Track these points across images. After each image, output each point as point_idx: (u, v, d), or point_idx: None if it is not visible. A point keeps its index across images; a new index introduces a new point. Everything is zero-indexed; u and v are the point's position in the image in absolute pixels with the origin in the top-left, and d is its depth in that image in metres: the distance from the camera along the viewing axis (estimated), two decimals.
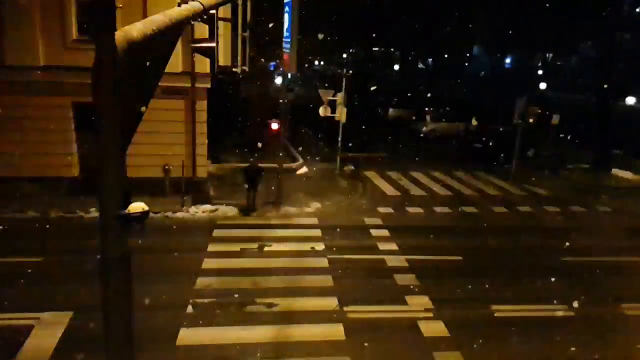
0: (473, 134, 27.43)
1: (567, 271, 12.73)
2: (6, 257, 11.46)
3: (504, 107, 27.93)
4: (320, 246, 13.38)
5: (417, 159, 23.87)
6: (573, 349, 9.42)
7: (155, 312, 9.39)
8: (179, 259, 12.07)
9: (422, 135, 29.59)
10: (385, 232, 14.65)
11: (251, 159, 16.39)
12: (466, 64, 60.04)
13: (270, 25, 23.28)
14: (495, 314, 10.46)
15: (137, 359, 4.23)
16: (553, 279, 12.18)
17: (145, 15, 13.83)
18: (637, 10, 24.57)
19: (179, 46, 5.89)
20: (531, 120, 20.63)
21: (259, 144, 20.39)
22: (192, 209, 15.47)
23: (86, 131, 15.39)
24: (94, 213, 14.07)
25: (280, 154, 16.97)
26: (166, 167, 15.82)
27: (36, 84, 14.69)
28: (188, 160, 16.25)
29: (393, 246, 13.66)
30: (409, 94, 40.33)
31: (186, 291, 10.59)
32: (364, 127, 27.46)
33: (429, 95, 40.50)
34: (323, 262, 12.45)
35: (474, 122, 29.29)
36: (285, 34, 15.33)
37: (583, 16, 29.57)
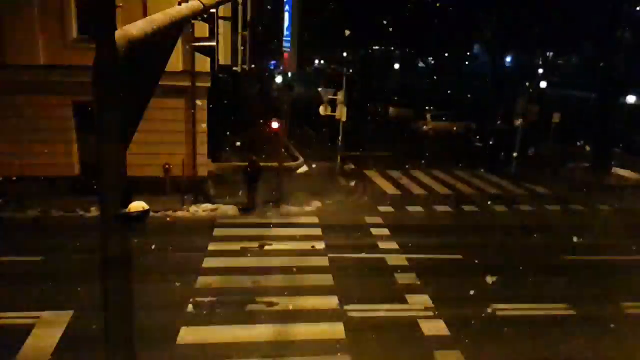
0: (473, 133, 27.44)
1: (567, 270, 12.74)
2: (7, 257, 11.47)
3: (504, 105, 27.95)
4: (320, 245, 13.38)
5: (417, 157, 23.85)
6: (574, 348, 9.44)
7: (155, 311, 9.37)
8: (179, 257, 12.08)
9: (422, 134, 29.59)
10: (385, 231, 14.65)
11: (251, 157, 16.37)
12: (466, 62, 59.97)
13: (271, 24, 23.29)
14: (496, 313, 10.46)
15: (138, 358, 4.23)
16: (553, 278, 12.19)
17: (145, 14, 13.82)
18: (638, 8, 24.51)
19: (179, 45, 5.88)
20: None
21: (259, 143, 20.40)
22: (193, 208, 15.48)
23: (86, 130, 15.39)
24: (94, 212, 14.07)
25: (281, 153, 16.96)
26: (166, 166, 15.81)
27: (36, 83, 14.68)
28: (188, 159, 16.24)
29: (393, 245, 13.67)
30: (409, 93, 40.33)
31: (187, 290, 10.60)
32: (364, 126, 27.47)
33: (428, 93, 40.52)
34: (323, 261, 12.45)
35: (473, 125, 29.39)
36: (285, 32, 15.34)
37: (583, 14, 29.56)
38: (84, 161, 16.03)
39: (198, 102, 16.07)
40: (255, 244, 13.21)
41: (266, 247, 13.11)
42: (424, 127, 29.96)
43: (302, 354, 8.77)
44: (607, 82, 23.49)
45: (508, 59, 58.17)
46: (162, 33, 4.18)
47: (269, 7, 23.65)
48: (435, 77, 54.67)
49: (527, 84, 29.99)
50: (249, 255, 12.67)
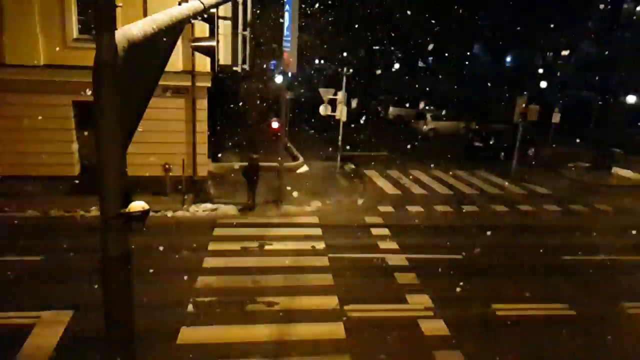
0: (473, 133, 27.42)
1: (567, 270, 12.75)
2: (7, 256, 11.48)
3: (504, 105, 27.96)
4: (320, 245, 13.38)
5: (417, 157, 23.86)
6: (573, 348, 9.44)
7: (156, 311, 9.39)
8: (179, 257, 12.09)
9: (422, 134, 29.60)
10: (385, 231, 14.65)
11: (251, 155, 16.34)
12: (466, 62, 59.93)
13: (271, 24, 23.27)
14: (496, 313, 10.47)
15: (138, 357, 4.23)
16: (553, 278, 12.20)
17: (145, 14, 13.83)
18: (638, 9, 24.53)
19: (179, 45, 5.89)
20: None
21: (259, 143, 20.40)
22: (193, 208, 15.48)
23: (87, 130, 15.42)
24: (94, 212, 14.08)
25: (281, 153, 16.96)
26: (166, 166, 15.82)
27: (37, 83, 14.68)
28: (188, 159, 16.26)
29: (393, 245, 13.67)
30: (409, 93, 40.30)
31: (187, 290, 10.60)
32: (364, 126, 27.46)
33: (428, 92, 40.54)
34: (323, 261, 12.46)
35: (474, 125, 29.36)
36: (285, 32, 15.31)
37: (584, 14, 29.59)
38: (84, 161, 16.05)
39: (198, 102, 16.07)
40: (255, 244, 13.21)
41: (266, 247, 13.11)
42: (424, 127, 29.96)
43: (302, 354, 8.77)
44: (607, 82, 23.52)
45: (508, 58, 58.23)
46: (162, 33, 4.18)
47: (268, 7, 23.68)
48: (435, 77, 54.71)
49: (527, 83, 29.98)
50: (249, 255, 12.67)
